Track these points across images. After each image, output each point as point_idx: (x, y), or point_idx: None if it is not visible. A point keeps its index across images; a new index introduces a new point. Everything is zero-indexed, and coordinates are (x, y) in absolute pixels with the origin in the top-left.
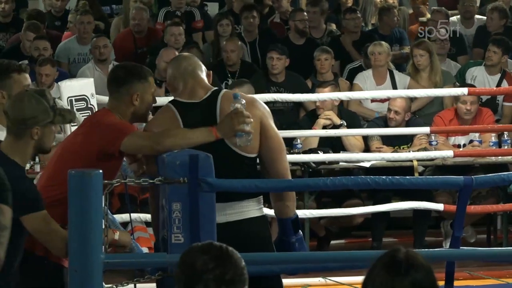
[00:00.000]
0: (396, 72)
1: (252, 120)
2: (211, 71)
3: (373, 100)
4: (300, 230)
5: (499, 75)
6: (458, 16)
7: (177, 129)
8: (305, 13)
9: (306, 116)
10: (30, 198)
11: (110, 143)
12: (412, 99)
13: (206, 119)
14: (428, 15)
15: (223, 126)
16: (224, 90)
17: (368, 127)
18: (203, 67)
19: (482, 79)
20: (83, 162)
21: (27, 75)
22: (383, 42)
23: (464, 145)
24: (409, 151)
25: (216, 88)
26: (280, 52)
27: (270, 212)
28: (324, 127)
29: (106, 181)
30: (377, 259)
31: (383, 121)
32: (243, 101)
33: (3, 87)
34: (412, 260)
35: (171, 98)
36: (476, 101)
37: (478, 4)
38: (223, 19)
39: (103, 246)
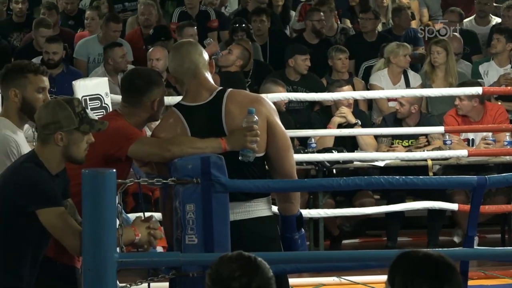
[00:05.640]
0: (409, 71)
1: (259, 138)
2: (212, 60)
3: (389, 99)
4: (302, 228)
5: (509, 66)
6: (472, 17)
7: (186, 136)
8: (321, 13)
9: (317, 113)
10: (48, 193)
11: (117, 148)
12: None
13: (212, 122)
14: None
15: (233, 139)
16: (229, 90)
17: (379, 126)
18: (206, 59)
19: (495, 72)
20: (89, 164)
21: (45, 78)
22: (406, 44)
23: (473, 140)
24: (423, 151)
25: (221, 88)
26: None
27: (273, 208)
28: (339, 125)
29: (119, 181)
30: (409, 268)
31: (393, 117)
32: (256, 118)
33: (17, 86)
34: (451, 263)
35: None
36: (467, 98)
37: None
38: (238, 31)
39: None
